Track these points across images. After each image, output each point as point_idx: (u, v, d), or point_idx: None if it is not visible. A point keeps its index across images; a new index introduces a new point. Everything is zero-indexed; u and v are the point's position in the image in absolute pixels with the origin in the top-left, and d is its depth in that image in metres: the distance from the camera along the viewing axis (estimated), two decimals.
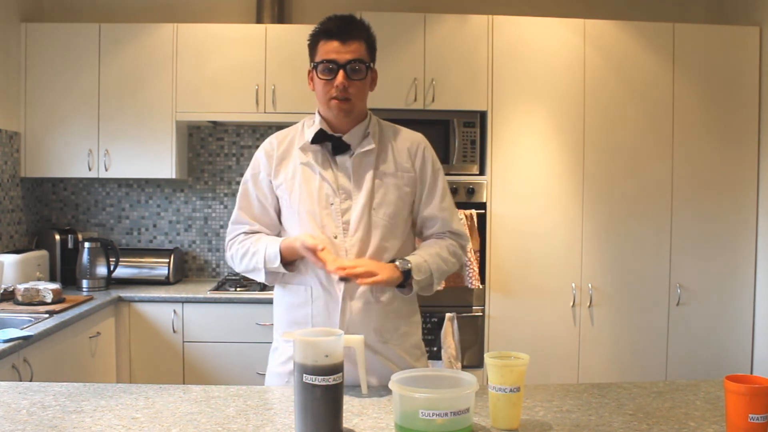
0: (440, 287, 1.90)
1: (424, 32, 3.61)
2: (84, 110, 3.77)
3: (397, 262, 1.74)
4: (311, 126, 1.84)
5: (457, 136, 3.62)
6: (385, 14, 3.67)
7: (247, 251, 1.81)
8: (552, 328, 3.64)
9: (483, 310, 3.60)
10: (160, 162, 3.79)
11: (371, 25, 1.85)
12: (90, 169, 3.78)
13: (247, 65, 3.76)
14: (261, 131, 4.15)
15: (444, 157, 3.61)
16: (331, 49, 1.73)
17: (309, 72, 1.81)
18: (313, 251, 1.66)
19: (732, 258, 3.71)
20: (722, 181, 3.71)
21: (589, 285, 3.65)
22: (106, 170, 3.78)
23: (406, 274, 1.73)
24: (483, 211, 3.59)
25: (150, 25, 3.78)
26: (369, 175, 1.79)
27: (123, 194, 4.18)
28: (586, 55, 3.65)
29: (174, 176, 3.81)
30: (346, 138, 1.80)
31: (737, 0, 3.99)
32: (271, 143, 1.89)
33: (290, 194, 1.81)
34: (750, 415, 1.29)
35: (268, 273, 1.79)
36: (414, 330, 1.88)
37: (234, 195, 4.18)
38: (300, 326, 1.78)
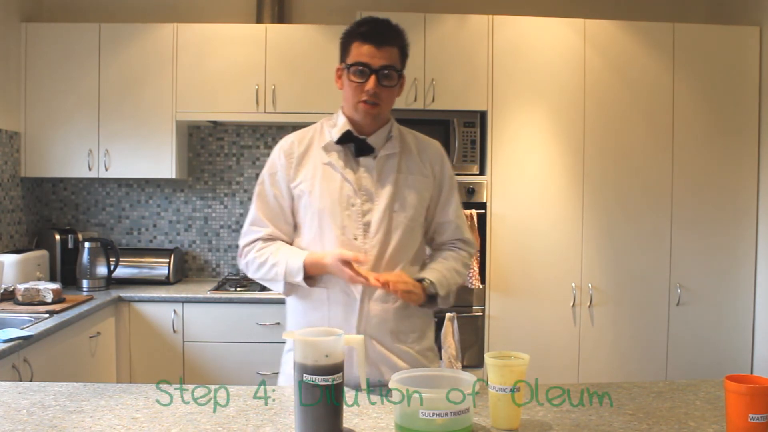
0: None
1: (424, 32, 3.61)
2: (84, 110, 3.77)
3: (425, 284, 1.75)
4: (333, 126, 1.84)
5: (457, 136, 3.63)
6: (385, 14, 3.64)
7: (266, 261, 1.79)
8: (552, 328, 3.64)
9: (483, 310, 3.60)
10: (160, 162, 3.79)
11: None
12: (90, 169, 3.78)
13: (247, 65, 3.76)
14: (261, 131, 4.15)
15: None
16: (365, 52, 1.73)
17: (337, 69, 1.81)
18: (350, 264, 1.66)
19: (732, 258, 3.71)
20: (722, 181, 3.71)
21: (589, 285, 3.65)
22: (106, 170, 3.78)
23: (431, 297, 1.76)
24: (483, 210, 3.59)
25: (150, 25, 3.78)
26: (391, 178, 1.80)
27: (123, 194, 4.18)
28: (586, 55, 3.65)
29: (174, 176, 3.81)
30: (370, 140, 1.81)
31: (737, 0, 3.99)
32: (290, 143, 1.85)
33: (310, 194, 1.80)
34: (750, 415, 1.29)
35: (287, 285, 1.79)
36: (428, 333, 1.90)
37: (234, 195, 4.19)
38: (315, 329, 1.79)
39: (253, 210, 1.86)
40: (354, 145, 1.80)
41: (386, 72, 1.74)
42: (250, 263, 1.84)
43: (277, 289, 1.82)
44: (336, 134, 1.81)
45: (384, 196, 1.78)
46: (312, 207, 1.79)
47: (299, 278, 1.74)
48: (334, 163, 1.80)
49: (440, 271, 1.80)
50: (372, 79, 1.72)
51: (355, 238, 1.76)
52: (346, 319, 1.76)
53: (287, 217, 1.85)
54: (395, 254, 1.78)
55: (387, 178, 1.80)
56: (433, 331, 1.93)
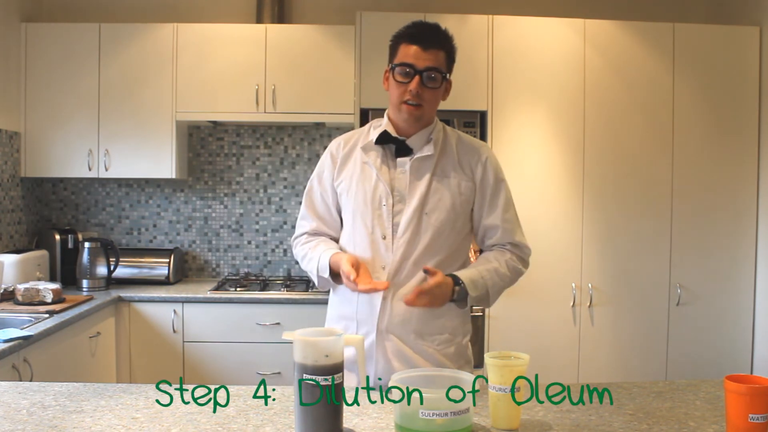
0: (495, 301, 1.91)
1: None
2: (84, 110, 3.77)
3: (456, 288, 1.75)
4: (377, 127, 1.88)
5: None
6: (385, 14, 3.67)
7: (306, 255, 1.90)
8: (552, 328, 3.64)
9: (483, 310, 3.60)
10: (160, 162, 3.79)
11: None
12: (90, 169, 3.78)
13: (247, 65, 3.76)
14: (261, 131, 4.15)
15: None
16: (410, 53, 1.76)
17: (385, 72, 1.84)
18: (347, 276, 1.70)
19: (732, 258, 3.71)
20: (722, 181, 3.71)
21: (589, 285, 3.65)
22: (106, 170, 3.78)
23: (461, 295, 1.76)
24: None
25: (150, 25, 3.78)
26: (425, 180, 1.81)
27: (123, 194, 4.18)
28: (586, 55, 3.65)
29: (174, 176, 3.81)
30: (409, 142, 1.83)
31: (737, 0, 3.99)
32: (337, 143, 1.93)
33: (347, 192, 1.86)
34: (750, 415, 1.29)
35: (320, 279, 1.86)
36: (459, 338, 1.87)
37: (234, 195, 4.19)
38: (347, 320, 1.85)
39: (303, 206, 1.97)
40: (394, 145, 1.83)
41: (431, 74, 1.76)
42: (297, 255, 1.95)
43: (315, 281, 1.90)
44: (375, 134, 1.85)
45: (415, 197, 1.80)
46: (348, 205, 1.86)
47: (326, 275, 1.82)
48: (372, 163, 1.84)
49: (479, 271, 1.80)
50: (416, 79, 1.75)
51: (384, 238, 1.80)
52: (371, 315, 1.80)
53: (333, 213, 1.93)
54: (422, 256, 1.80)
55: (421, 179, 1.81)
56: (465, 338, 1.90)
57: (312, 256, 1.87)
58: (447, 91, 1.84)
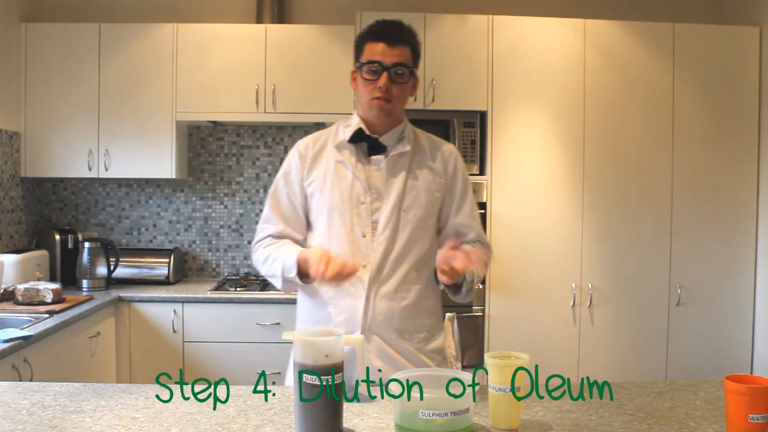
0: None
1: (424, 32, 3.61)
2: (84, 110, 3.77)
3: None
4: (348, 125, 1.88)
5: (457, 136, 3.62)
6: (385, 14, 3.62)
7: (269, 257, 1.82)
8: (552, 328, 3.64)
9: (483, 310, 3.60)
10: (160, 162, 3.79)
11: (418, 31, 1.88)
12: (90, 169, 3.78)
13: (247, 65, 3.76)
14: (261, 131, 4.15)
15: None
16: (377, 51, 1.77)
17: (352, 72, 1.85)
18: (322, 263, 1.64)
19: (732, 258, 3.71)
20: (722, 181, 3.71)
21: (589, 285, 3.65)
22: (106, 170, 3.78)
23: (455, 284, 1.76)
24: (483, 210, 3.59)
25: (150, 25, 3.78)
26: (402, 177, 1.82)
27: (123, 194, 4.18)
28: (586, 55, 3.65)
29: (174, 176, 3.81)
30: (382, 139, 1.83)
31: (737, 0, 3.99)
32: (305, 143, 1.91)
33: (321, 191, 1.83)
34: (750, 415, 1.29)
35: (285, 281, 1.79)
36: (437, 335, 1.89)
37: (234, 195, 4.19)
38: (322, 324, 1.80)
39: (267, 208, 1.91)
40: (366, 143, 1.83)
41: (398, 69, 1.77)
42: (258, 259, 1.88)
43: (278, 286, 1.83)
44: (348, 133, 1.84)
45: (393, 194, 1.81)
46: (323, 204, 1.83)
47: (293, 274, 1.75)
48: (346, 161, 1.83)
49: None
50: (384, 76, 1.76)
51: (363, 236, 1.79)
52: (353, 315, 1.77)
53: (299, 215, 1.89)
54: (402, 253, 1.80)
55: (397, 176, 1.82)
56: (442, 335, 1.93)
57: (276, 257, 1.80)
58: (414, 87, 1.86)
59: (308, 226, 1.91)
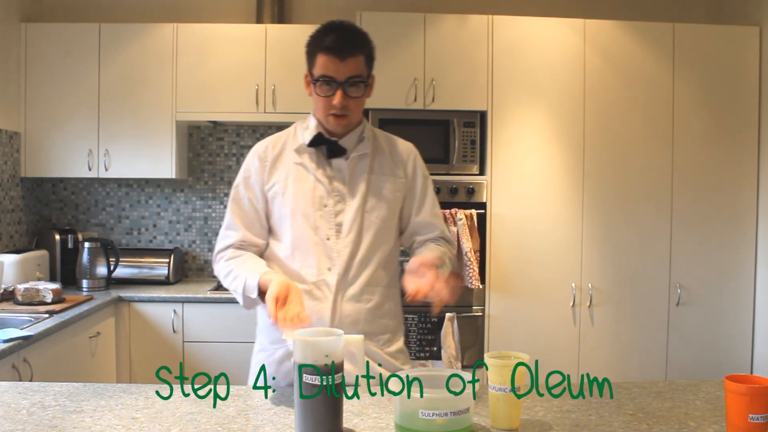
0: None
1: (424, 32, 3.61)
2: (84, 110, 3.77)
3: (439, 270, 1.71)
4: (306, 128, 1.85)
5: (457, 136, 3.62)
6: (385, 14, 3.67)
7: (231, 272, 1.79)
8: (552, 328, 3.64)
9: (483, 310, 3.60)
10: (160, 162, 3.79)
11: (371, 29, 1.83)
12: (90, 169, 3.78)
13: (247, 65, 3.76)
14: (261, 131, 4.15)
15: (444, 157, 3.62)
16: (330, 65, 1.71)
17: (306, 76, 1.81)
18: (275, 301, 1.57)
19: (732, 258, 3.71)
20: (722, 181, 3.71)
21: (589, 285, 3.65)
22: (106, 170, 3.78)
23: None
24: (483, 211, 3.59)
25: (150, 25, 3.78)
26: (363, 178, 1.81)
27: (123, 194, 4.18)
28: (586, 55, 3.65)
29: (174, 176, 3.81)
30: (342, 142, 1.81)
31: (737, 0, 3.99)
32: (264, 146, 1.87)
33: (283, 195, 1.80)
34: (750, 415, 1.29)
35: (246, 299, 1.77)
36: (399, 336, 1.91)
37: None
38: None
39: (228, 214, 1.86)
40: (326, 147, 1.81)
41: (353, 83, 1.73)
42: (220, 272, 1.84)
43: (239, 301, 1.80)
44: (308, 137, 1.82)
45: (356, 196, 1.79)
46: (285, 208, 1.80)
47: (254, 296, 1.72)
48: (307, 164, 1.81)
49: (440, 258, 1.79)
50: (339, 93, 1.72)
51: (328, 239, 1.78)
52: (320, 318, 1.75)
53: (261, 220, 1.85)
54: (367, 255, 1.79)
55: (359, 178, 1.81)
56: (403, 336, 1.94)
57: (238, 274, 1.75)
58: (371, 87, 1.82)
59: (270, 230, 1.87)
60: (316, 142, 1.81)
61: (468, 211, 3.53)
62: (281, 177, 1.82)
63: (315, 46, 1.76)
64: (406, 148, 1.91)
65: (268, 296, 1.57)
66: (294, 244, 1.79)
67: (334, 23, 1.77)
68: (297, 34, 3.78)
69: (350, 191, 1.80)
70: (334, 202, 1.79)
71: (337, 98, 1.72)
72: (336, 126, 1.78)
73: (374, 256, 1.80)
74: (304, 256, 1.78)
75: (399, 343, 1.90)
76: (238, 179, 1.87)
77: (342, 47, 1.71)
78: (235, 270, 1.78)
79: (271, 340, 1.85)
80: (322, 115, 1.79)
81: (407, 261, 1.75)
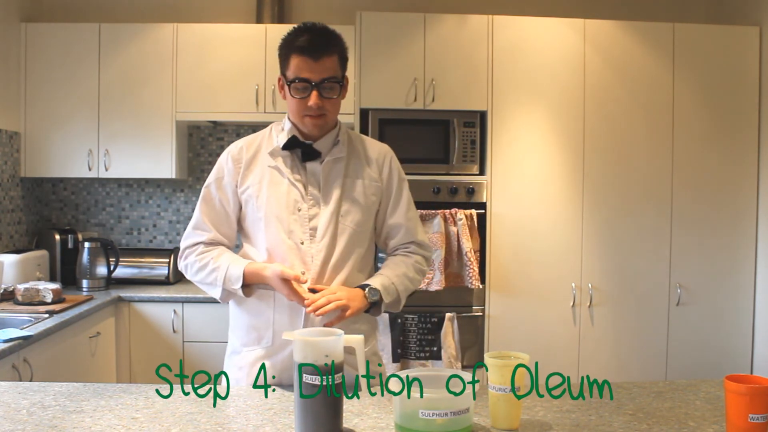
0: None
1: (423, 32, 3.61)
2: (84, 110, 3.77)
3: (366, 292, 1.73)
4: (281, 131, 1.83)
5: (457, 136, 3.62)
6: (385, 14, 3.67)
7: (206, 265, 1.79)
8: (552, 328, 3.64)
9: (483, 310, 3.60)
10: (160, 162, 3.79)
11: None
12: (90, 169, 3.78)
13: (247, 65, 3.76)
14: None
15: (444, 157, 3.61)
16: (303, 66, 1.70)
17: (279, 79, 1.79)
18: (289, 282, 1.65)
19: (732, 258, 3.71)
20: (722, 181, 3.71)
21: (589, 285, 3.65)
22: (106, 170, 3.78)
23: (374, 304, 1.75)
24: (483, 211, 3.59)
25: (150, 25, 3.78)
26: (338, 182, 1.80)
27: (123, 194, 4.18)
28: (586, 55, 3.65)
29: (174, 176, 3.81)
30: (316, 145, 1.80)
31: (737, 0, 3.99)
32: (239, 148, 1.85)
33: (257, 198, 1.79)
34: (750, 415, 1.29)
35: (224, 291, 1.77)
36: (372, 339, 1.91)
37: None
38: (260, 330, 1.78)
39: (198, 213, 1.85)
40: (300, 150, 1.80)
41: (328, 85, 1.72)
42: (189, 266, 1.83)
43: (213, 295, 1.80)
44: (282, 139, 1.80)
45: (331, 200, 1.78)
46: (259, 211, 1.79)
47: (237, 286, 1.72)
48: (281, 167, 1.80)
49: (388, 277, 1.80)
50: (314, 94, 1.71)
51: (302, 243, 1.76)
52: (291, 323, 1.74)
53: (231, 222, 1.84)
54: (341, 259, 1.78)
55: (334, 182, 1.80)
56: (376, 337, 1.94)
57: (216, 266, 1.76)
58: (345, 88, 1.80)
59: (242, 233, 1.86)
60: (291, 145, 1.80)
61: (468, 211, 3.53)
62: (255, 180, 1.80)
63: (288, 48, 1.74)
64: (381, 150, 1.90)
65: (286, 276, 1.65)
66: (268, 248, 1.78)
67: (306, 24, 1.75)
68: None
69: (325, 195, 1.78)
70: (309, 206, 1.78)
71: (312, 99, 1.71)
72: (312, 127, 1.77)
73: (349, 259, 1.79)
74: (278, 261, 1.76)
75: (372, 346, 1.90)
76: (210, 179, 1.85)
77: (316, 48, 1.70)
78: (212, 263, 1.78)
79: (243, 342, 1.83)
80: (298, 117, 1.77)
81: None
